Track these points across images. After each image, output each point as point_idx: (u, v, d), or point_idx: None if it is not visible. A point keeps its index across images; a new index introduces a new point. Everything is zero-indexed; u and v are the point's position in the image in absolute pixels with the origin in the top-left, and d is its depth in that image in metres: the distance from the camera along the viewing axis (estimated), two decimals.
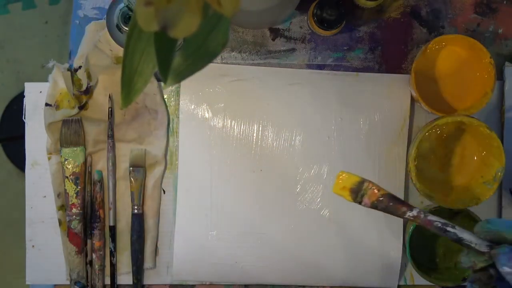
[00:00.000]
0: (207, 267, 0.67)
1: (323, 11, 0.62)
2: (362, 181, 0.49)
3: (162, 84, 0.66)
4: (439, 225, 0.45)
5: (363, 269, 0.66)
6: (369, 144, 0.67)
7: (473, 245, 0.44)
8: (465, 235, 0.44)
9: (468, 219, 0.63)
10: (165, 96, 0.67)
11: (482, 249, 0.43)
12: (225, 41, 0.35)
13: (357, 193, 0.49)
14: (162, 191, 0.68)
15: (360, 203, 0.49)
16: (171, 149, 0.68)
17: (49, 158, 0.66)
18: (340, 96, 0.67)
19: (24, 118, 0.68)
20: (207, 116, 0.67)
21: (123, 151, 0.67)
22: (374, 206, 0.48)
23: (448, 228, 0.45)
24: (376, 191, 0.48)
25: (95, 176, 0.66)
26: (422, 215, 0.46)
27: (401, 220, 0.66)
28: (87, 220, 0.66)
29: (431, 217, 0.46)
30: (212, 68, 0.67)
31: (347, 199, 0.50)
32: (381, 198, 0.48)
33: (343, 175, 0.50)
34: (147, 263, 0.66)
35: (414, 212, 0.46)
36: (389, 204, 0.48)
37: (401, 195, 0.67)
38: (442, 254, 0.65)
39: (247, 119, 0.67)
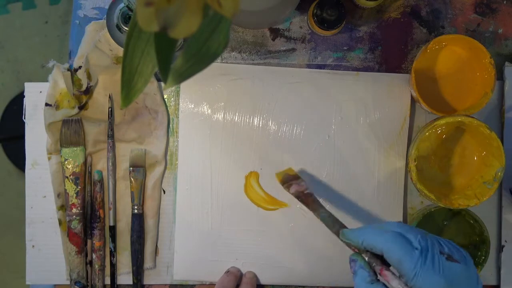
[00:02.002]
0: (207, 266, 0.67)
1: (323, 11, 0.62)
2: (299, 177, 0.62)
3: (162, 84, 0.66)
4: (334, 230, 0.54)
5: None
6: (369, 144, 0.67)
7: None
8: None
9: (468, 219, 0.63)
10: (165, 96, 0.67)
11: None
12: (226, 42, 0.35)
13: (289, 182, 0.61)
14: (162, 191, 0.68)
15: (287, 189, 0.61)
16: (171, 149, 0.68)
17: (49, 158, 0.66)
18: (340, 95, 0.67)
19: (24, 118, 0.68)
20: (207, 116, 0.67)
21: (123, 151, 0.67)
22: (296, 195, 0.59)
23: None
24: (304, 187, 0.60)
25: (95, 176, 0.66)
26: (325, 217, 0.56)
27: (400, 221, 0.67)
28: (87, 220, 0.66)
29: (327, 220, 0.55)
30: (212, 67, 0.67)
31: (279, 181, 0.63)
32: (306, 192, 0.59)
33: (291, 168, 0.64)
34: (147, 263, 0.66)
35: (324, 215, 0.56)
36: (308, 199, 0.58)
37: (401, 195, 0.67)
38: None
39: (247, 118, 0.67)
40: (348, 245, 0.51)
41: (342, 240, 0.52)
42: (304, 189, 0.59)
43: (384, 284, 0.47)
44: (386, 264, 0.48)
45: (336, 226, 0.54)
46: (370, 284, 0.47)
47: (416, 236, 0.47)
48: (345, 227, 0.53)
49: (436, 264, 0.45)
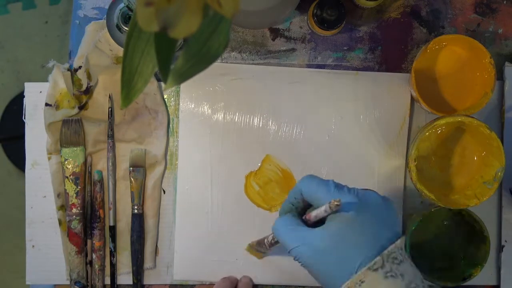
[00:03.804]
0: (207, 266, 0.67)
1: (323, 11, 0.62)
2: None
3: (162, 84, 0.66)
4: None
5: None
6: (369, 143, 0.67)
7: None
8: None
9: (468, 219, 0.63)
10: (165, 96, 0.67)
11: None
12: (226, 42, 0.35)
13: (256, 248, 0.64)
14: (162, 191, 0.68)
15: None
16: (171, 149, 0.68)
17: (49, 158, 0.66)
18: (340, 95, 0.67)
19: (24, 118, 0.68)
20: (207, 115, 0.67)
21: (123, 151, 0.67)
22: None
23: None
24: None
25: (95, 176, 0.66)
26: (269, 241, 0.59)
27: (400, 221, 0.67)
28: (87, 220, 0.66)
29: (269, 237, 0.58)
30: (212, 67, 0.66)
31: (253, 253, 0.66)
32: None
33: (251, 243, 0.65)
34: (147, 263, 0.66)
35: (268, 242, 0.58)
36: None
37: (401, 195, 0.67)
38: (442, 254, 0.65)
39: (247, 118, 0.67)
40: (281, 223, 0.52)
41: (278, 224, 0.52)
42: (265, 241, 0.60)
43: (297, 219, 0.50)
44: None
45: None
46: (292, 216, 0.50)
47: (329, 180, 0.50)
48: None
49: (352, 192, 0.48)
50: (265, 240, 0.59)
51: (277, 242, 0.56)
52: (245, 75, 0.67)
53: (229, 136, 0.67)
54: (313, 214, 0.48)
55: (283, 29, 0.68)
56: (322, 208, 0.47)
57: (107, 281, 0.67)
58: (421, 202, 0.68)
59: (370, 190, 0.50)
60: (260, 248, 0.62)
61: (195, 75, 0.35)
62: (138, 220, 0.66)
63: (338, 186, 0.49)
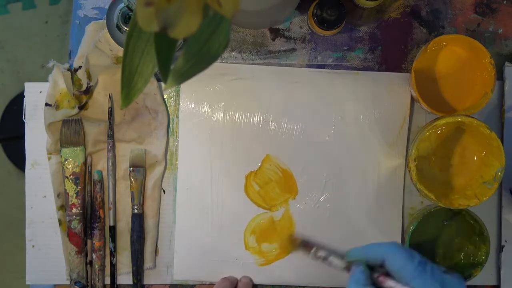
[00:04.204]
0: (207, 266, 0.67)
1: (323, 11, 0.62)
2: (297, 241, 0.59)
3: (163, 84, 0.66)
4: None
5: None
6: (369, 143, 0.67)
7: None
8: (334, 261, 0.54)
9: (468, 219, 0.63)
10: (165, 96, 0.67)
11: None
12: (226, 42, 0.35)
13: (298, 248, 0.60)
14: (162, 191, 0.68)
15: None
16: (171, 149, 0.68)
17: (49, 158, 0.66)
18: (340, 95, 0.67)
19: (24, 118, 0.68)
20: (207, 115, 0.67)
21: (123, 151, 0.67)
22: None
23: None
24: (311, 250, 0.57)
25: (95, 176, 0.66)
26: (315, 253, 0.56)
27: (400, 221, 0.67)
28: (87, 220, 0.66)
29: (320, 253, 0.55)
30: (212, 67, 0.66)
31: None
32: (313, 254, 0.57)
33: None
34: (147, 263, 0.66)
35: (312, 251, 0.56)
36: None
37: (401, 195, 0.67)
38: (442, 254, 0.65)
39: (247, 118, 0.67)
40: (351, 266, 0.52)
41: (347, 262, 0.53)
42: (313, 251, 0.58)
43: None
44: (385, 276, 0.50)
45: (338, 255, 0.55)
46: (363, 285, 0.49)
47: (413, 251, 0.49)
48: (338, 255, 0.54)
49: (435, 273, 0.47)
50: (313, 250, 0.57)
51: (324, 260, 0.55)
52: (245, 75, 0.67)
53: (229, 136, 0.67)
54: (391, 285, 0.48)
55: (283, 29, 0.68)
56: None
57: (107, 281, 0.67)
58: (421, 202, 0.68)
59: (454, 274, 0.49)
60: (300, 249, 0.59)
61: (195, 75, 0.35)
62: (138, 220, 0.66)
63: (421, 265, 0.48)
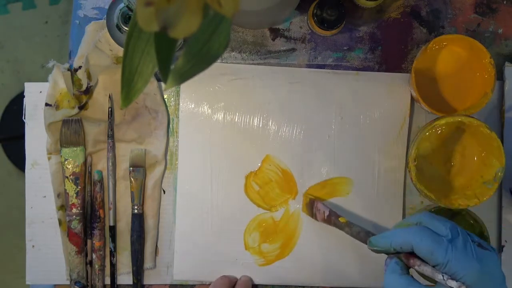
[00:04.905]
0: (207, 266, 0.67)
1: (323, 11, 0.62)
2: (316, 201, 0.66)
3: (163, 84, 0.66)
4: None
5: (369, 270, 0.67)
6: (369, 143, 0.67)
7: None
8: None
9: (468, 219, 0.63)
10: (165, 96, 0.67)
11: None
12: (226, 42, 0.35)
13: (311, 209, 0.66)
14: (162, 191, 0.68)
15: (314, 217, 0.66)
16: (171, 149, 0.68)
17: (49, 158, 0.66)
18: (340, 95, 0.67)
19: (24, 118, 0.68)
20: (207, 115, 0.67)
21: (123, 151, 0.67)
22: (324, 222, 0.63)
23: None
24: (324, 213, 0.64)
25: (95, 176, 0.66)
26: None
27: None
28: (87, 220, 0.66)
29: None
30: (212, 67, 0.66)
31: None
32: (327, 216, 0.63)
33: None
34: (147, 263, 0.66)
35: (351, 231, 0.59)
36: (332, 222, 0.63)
37: (400, 195, 0.67)
38: None
39: (247, 118, 0.67)
40: (376, 251, 0.51)
41: (370, 249, 0.52)
42: (325, 215, 0.62)
43: (412, 276, 0.48)
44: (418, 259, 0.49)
45: (362, 235, 0.56)
46: (400, 276, 0.47)
47: (445, 224, 0.47)
48: (370, 233, 0.54)
49: (468, 250, 0.46)
50: (319, 210, 0.59)
51: (329, 218, 0.56)
52: (245, 75, 0.67)
53: (229, 136, 0.67)
54: (427, 271, 0.47)
55: (283, 29, 0.68)
56: (439, 277, 0.46)
57: (107, 281, 0.67)
58: (421, 202, 0.68)
59: (489, 247, 0.47)
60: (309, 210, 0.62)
61: (196, 75, 0.35)
62: (138, 220, 0.66)
63: (453, 244, 0.46)
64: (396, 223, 0.54)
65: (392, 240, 0.49)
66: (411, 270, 0.50)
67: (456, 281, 0.45)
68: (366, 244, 0.53)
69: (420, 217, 0.50)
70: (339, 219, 0.61)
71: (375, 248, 0.51)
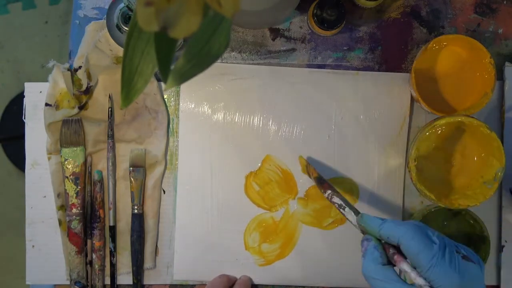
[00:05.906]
0: (207, 266, 0.67)
1: (323, 11, 0.62)
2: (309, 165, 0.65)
3: (162, 84, 0.66)
4: (336, 206, 0.55)
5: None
6: (369, 143, 0.67)
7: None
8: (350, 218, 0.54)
9: (468, 219, 0.63)
10: (165, 96, 0.67)
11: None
12: (227, 42, 0.35)
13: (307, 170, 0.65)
14: (162, 191, 0.68)
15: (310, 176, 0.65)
16: (171, 149, 0.68)
17: (49, 158, 0.66)
18: (340, 95, 0.67)
19: (24, 118, 0.68)
20: (207, 115, 0.67)
21: (123, 151, 0.67)
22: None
23: (341, 210, 0.55)
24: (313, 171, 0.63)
25: (95, 176, 0.66)
26: (330, 196, 0.57)
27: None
28: (87, 220, 0.66)
29: (335, 199, 0.56)
30: (212, 67, 0.66)
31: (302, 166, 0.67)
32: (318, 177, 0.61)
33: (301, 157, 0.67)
34: (147, 263, 0.66)
35: (327, 194, 0.57)
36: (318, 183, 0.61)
37: (401, 195, 0.67)
38: None
39: (247, 118, 0.67)
40: (363, 230, 0.50)
41: (358, 224, 0.51)
42: (327, 195, 0.60)
43: (394, 270, 0.47)
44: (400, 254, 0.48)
45: (353, 209, 0.54)
46: (381, 265, 0.47)
47: (433, 233, 0.47)
48: (358, 212, 0.53)
49: (453, 261, 0.46)
50: (327, 194, 0.57)
51: (340, 208, 0.54)
52: (245, 75, 0.67)
53: (229, 136, 0.67)
54: (407, 271, 0.46)
55: (283, 29, 0.68)
56: (421, 281, 0.45)
57: (107, 281, 0.67)
58: (421, 202, 0.68)
59: (472, 258, 0.47)
60: (316, 184, 0.61)
61: (196, 76, 0.35)
62: (138, 220, 0.66)
63: (440, 251, 0.46)
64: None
65: (384, 226, 0.48)
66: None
67: None
68: (353, 211, 0.53)
69: (412, 223, 0.49)
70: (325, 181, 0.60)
71: (362, 226, 0.50)
